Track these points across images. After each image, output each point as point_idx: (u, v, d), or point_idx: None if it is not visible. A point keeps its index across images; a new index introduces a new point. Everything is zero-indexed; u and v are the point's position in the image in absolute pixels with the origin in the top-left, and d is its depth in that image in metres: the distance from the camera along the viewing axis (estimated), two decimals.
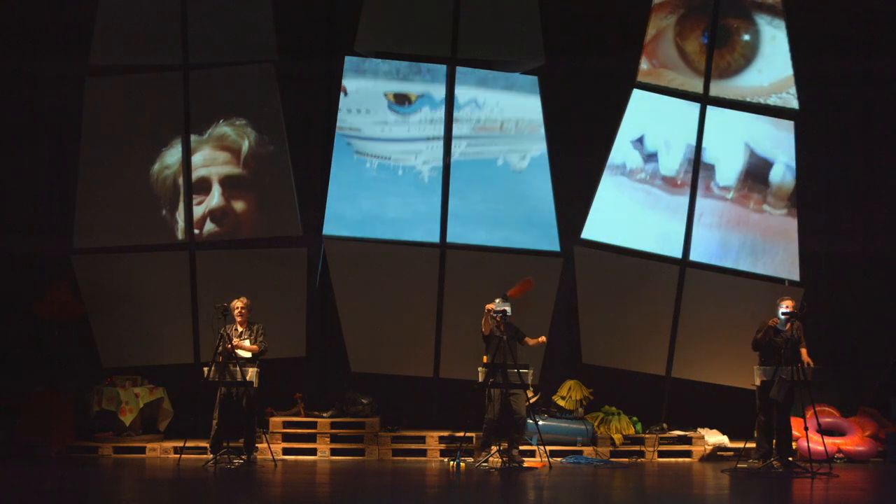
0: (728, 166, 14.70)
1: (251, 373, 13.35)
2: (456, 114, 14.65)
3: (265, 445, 13.69)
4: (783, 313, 13.27)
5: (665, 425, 14.47)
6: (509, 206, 14.60)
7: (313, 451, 14.10)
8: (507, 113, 14.64)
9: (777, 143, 14.68)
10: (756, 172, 14.67)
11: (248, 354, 13.47)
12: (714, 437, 14.27)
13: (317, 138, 15.06)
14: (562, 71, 14.74)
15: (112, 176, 14.65)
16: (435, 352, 14.73)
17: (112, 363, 14.58)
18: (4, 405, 14.18)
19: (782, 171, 14.67)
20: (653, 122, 14.73)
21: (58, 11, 15.17)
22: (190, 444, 13.73)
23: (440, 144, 14.65)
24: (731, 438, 14.26)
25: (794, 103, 14.69)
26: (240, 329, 13.58)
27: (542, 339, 13.75)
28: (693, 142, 14.71)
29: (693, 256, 14.67)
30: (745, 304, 14.29)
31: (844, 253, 15.09)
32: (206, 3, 14.72)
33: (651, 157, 14.68)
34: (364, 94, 14.58)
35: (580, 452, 14.02)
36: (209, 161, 14.75)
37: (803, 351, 13.32)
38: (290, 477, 12.85)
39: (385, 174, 14.57)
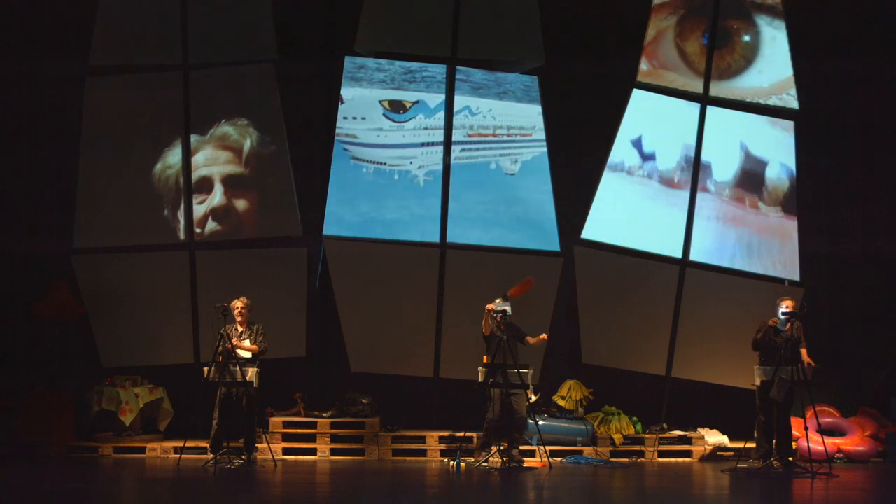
0: (724, 166, 14.71)
1: (251, 373, 13.35)
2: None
3: (265, 445, 13.69)
4: (783, 313, 13.27)
5: (665, 425, 14.47)
6: (503, 208, 14.68)
7: (313, 451, 14.11)
8: (499, 119, 14.72)
9: (773, 144, 14.69)
10: (751, 173, 14.68)
11: (248, 354, 13.47)
12: (714, 437, 14.27)
13: (317, 138, 15.07)
14: (562, 71, 14.75)
15: (112, 176, 14.65)
16: (435, 352, 14.73)
17: (112, 363, 14.58)
18: (4, 405, 14.19)
19: (777, 172, 14.68)
20: (652, 122, 14.73)
21: (58, 11, 15.16)
22: (190, 444, 13.73)
23: (434, 150, 14.72)
24: (731, 438, 14.27)
25: (793, 104, 14.70)
26: (240, 329, 13.58)
27: (543, 336, 13.73)
28: (689, 141, 14.71)
29: (691, 250, 14.67)
30: (745, 304, 14.29)
31: (844, 253, 15.09)
32: (206, 3, 14.73)
33: (649, 157, 14.70)
34: (360, 101, 14.68)
35: (580, 452, 14.02)
36: (211, 160, 14.76)
37: (803, 351, 13.32)
38: (290, 477, 12.85)
39: (381, 179, 14.65)
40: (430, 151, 14.73)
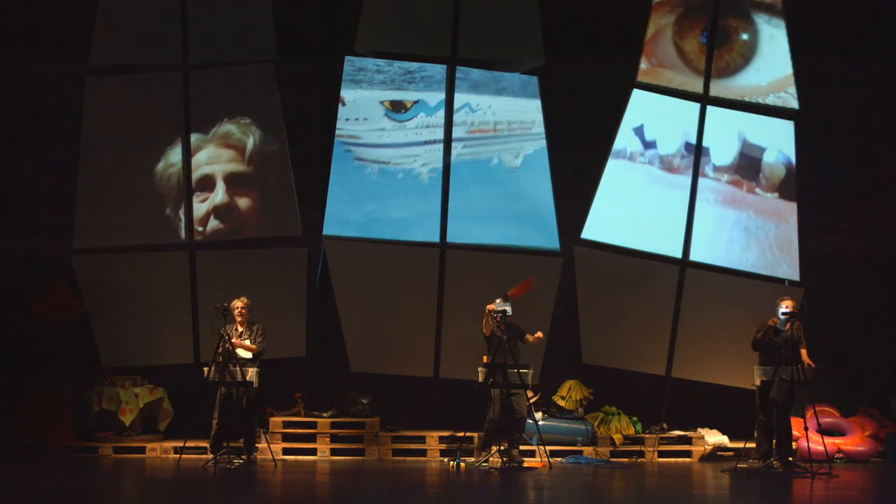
0: (722, 152, 14.74)
1: (251, 373, 13.35)
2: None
3: (265, 445, 13.69)
4: (783, 313, 13.26)
5: (665, 425, 14.47)
6: (507, 204, 14.69)
7: (313, 451, 14.11)
8: (499, 115, 14.74)
9: (771, 133, 14.71)
10: (749, 158, 14.70)
11: (247, 354, 13.47)
12: (714, 437, 14.27)
13: (317, 138, 15.07)
14: (562, 71, 14.75)
15: (112, 176, 14.66)
16: (435, 352, 14.73)
17: (112, 363, 14.58)
18: (4, 405, 14.19)
19: (775, 157, 14.69)
20: (652, 121, 14.73)
21: (58, 11, 15.17)
22: (190, 444, 13.73)
23: (437, 147, 14.73)
24: (731, 438, 14.27)
25: (793, 103, 14.71)
26: (240, 329, 13.58)
27: (539, 334, 13.69)
28: (689, 129, 14.71)
29: (691, 246, 14.68)
30: (745, 304, 14.28)
31: (844, 253, 15.09)
32: (206, 3, 14.73)
33: (650, 145, 14.74)
34: (361, 103, 14.70)
35: (580, 452, 14.02)
36: (213, 159, 14.77)
37: (803, 351, 13.32)
38: (290, 477, 12.85)
39: (386, 178, 14.67)
40: (432, 149, 14.75)
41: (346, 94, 14.68)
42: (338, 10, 15.27)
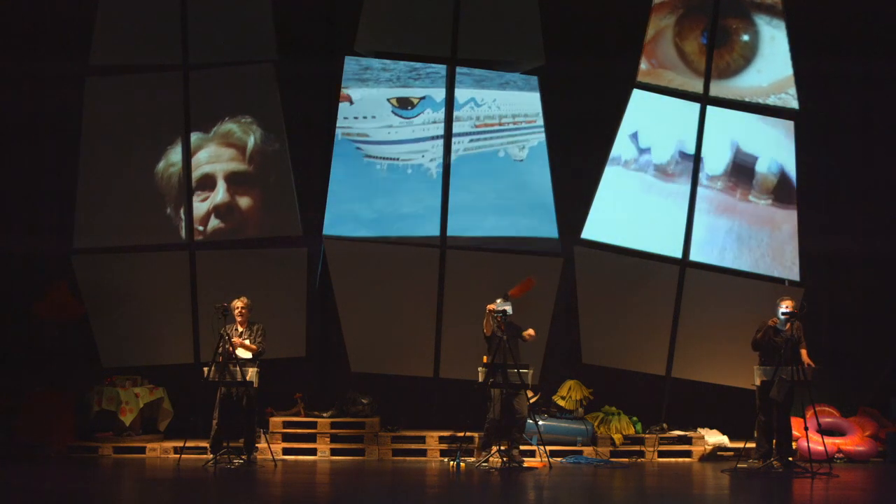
0: (715, 160, 14.74)
1: (251, 373, 13.35)
2: (456, 112, 14.77)
3: (265, 445, 13.69)
4: (783, 313, 13.26)
5: (665, 425, 14.47)
6: (515, 195, 14.72)
7: (313, 451, 14.11)
8: (503, 109, 14.77)
9: (766, 142, 14.71)
10: (741, 166, 14.70)
11: (247, 354, 13.47)
12: (714, 437, 14.27)
13: (317, 138, 15.07)
14: (562, 71, 14.75)
15: (112, 176, 14.66)
16: (435, 352, 14.73)
17: (112, 363, 14.58)
18: (4, 405, 14.19)
19: (767, 166, 14.70)
20: (652, 121, 14.74)
21: (58, 11, 15.17)
22: (190, 444, 13.73)
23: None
24: (731, 438, 14.27)
25: (793, 103, 14.71)
26: (240, 329, 13.58)
27: (531, 331, 13.61)
28: (683, 138, 14.72)
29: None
30: (745, 304, 14.28)
31: (844, 253, 15.09)
32: (206, 3, 14.73)
33: (644, 151, 14.73)
34: (368, 101, 14.74)
35: (580, 452, 14.02)
36: (214, 158, 14.77)
37: (803, 351, 13.32)
38: (290, 477, 12.85)
39: (395, 174, 14.72)
40: (440, 144, 14.78)
41: (353, 92, 14.71)
42: (338, 10, 15.28)
